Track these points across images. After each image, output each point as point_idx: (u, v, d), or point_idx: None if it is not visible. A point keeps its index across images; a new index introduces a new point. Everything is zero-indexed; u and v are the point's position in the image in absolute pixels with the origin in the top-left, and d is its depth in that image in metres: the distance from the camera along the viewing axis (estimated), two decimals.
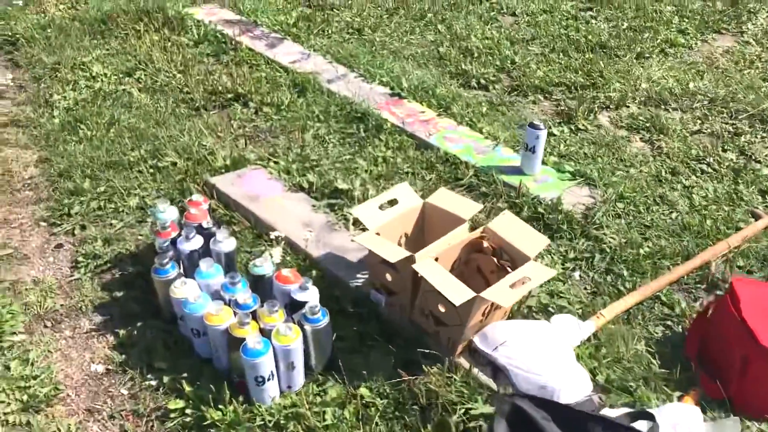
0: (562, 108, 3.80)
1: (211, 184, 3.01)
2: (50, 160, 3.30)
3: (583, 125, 3.63)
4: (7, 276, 2.63)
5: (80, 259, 2.69)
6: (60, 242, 2.82)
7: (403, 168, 3.23)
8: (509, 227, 2.30)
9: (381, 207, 2.41)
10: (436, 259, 2.19)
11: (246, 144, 3.40)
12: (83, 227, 2.87)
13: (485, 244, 2.29)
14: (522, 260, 2.21)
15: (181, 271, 2.39)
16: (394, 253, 2.16)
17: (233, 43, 4.39)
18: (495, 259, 2.27)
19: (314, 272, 2.55)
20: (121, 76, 4.04)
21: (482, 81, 4.09)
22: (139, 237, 2.81)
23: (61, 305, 2.51)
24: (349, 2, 5.19)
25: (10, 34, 4.53)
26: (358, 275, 2.52)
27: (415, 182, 3.12)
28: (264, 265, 2.31)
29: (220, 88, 3.86)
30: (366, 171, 3.19)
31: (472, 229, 2.38)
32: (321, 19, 4.84)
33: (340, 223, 2.82)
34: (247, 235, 2.78)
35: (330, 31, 4.69)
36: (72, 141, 3.41)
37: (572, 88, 4.00)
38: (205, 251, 2.45)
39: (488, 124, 3.57)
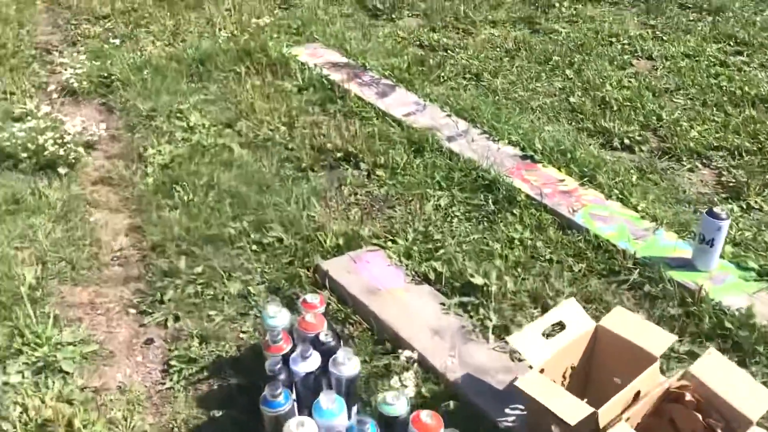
0: (727, 179, 3.22)
1: (324, 271, 2.58)
2: (142, 229, 2.95)
3: (757, 203, 3.04)
4: (91, 380, 2.26)
5: (173, 362, 2.30)
6: (150, 336, 2.44)
7: (545, 254, 2.73)
8: (719, 373, 1.77)
9: (544, 333, 1.91)
10: (627, 419, 1.67)
11: (359, 218, 2.97)
12: (177, 318, 2.49)
13: (687, 396, 1.76)
14: (740, 423, 1.67)
15: (294, 396, 1.96)
16: (572, 411, 1.65)
17: (341, 90, 3.98)
18: (700, 417, 1.74)
19: (452, 403, 2.07)
20: (220, 127, 3.69)
21: (626, 141, 3.54)
22: (242, 335, 2.40)
23: (150, 424, 2.11)
24: (465, 42, 4.73)
25: (105, 75, 4.26)
26: (507, 410, 2.03)
27: (562, 274, 2.60)
28: (396, 404, 1.84)
29: (328, 145, 3.45)
30: (500, 256, 2.70)
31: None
32: (434, 62, 4.39)
33: (477, 330, 2.34)
34: (366, 340, 2.33)
35: (445, 77, 4.23)
36: (167, 206, 3.06)
37: (735, 153, 3.40)
38: (323, 369, 2.01)
39: (642, 198, 3.02)
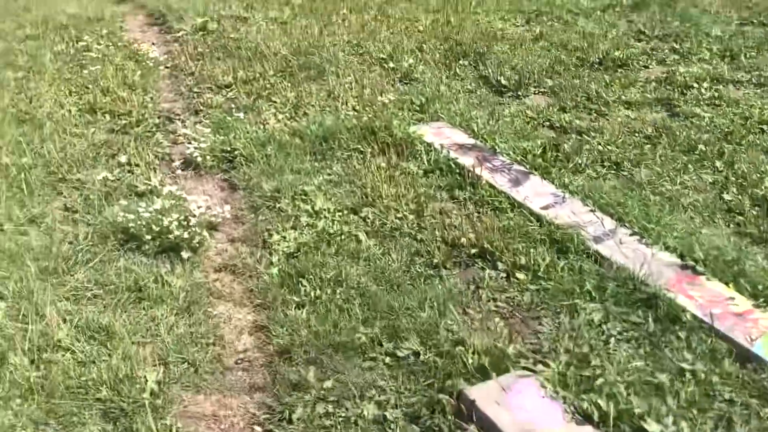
0: None
1: (469, 400, 2.29)
2: (268, 328, 2.76)
3: None
4: None
5: None
6: None
7: (723, 392, 2.35)
8: None
9: None
10: None
11: (502, 330, 2.67)
12: None
13: None
14: None
15: None
16: None
17: (470, 176, 3.74)
18: None
19: None
20: (346, 212, 3.50)
21: None
22: None
23: None
24: (599, 125, 4.43)
25: (228, 149, 4.18)
26: None
27: (748, 420, 2.23)
28: None
29: (462, 239, 3.20)
30: (671, 392, 2.34)
31: None
32: (569, 146, 4.10)
33: None
34: None
35: (582, 164, 3.93)
36: (293, 303, 2.86)
37: None
38: None
39: None
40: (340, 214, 3.50)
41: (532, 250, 3.14)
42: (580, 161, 3.94)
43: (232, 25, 6.46)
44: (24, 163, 4.00)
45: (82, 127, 4.50)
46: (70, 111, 4.73)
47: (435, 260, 3.13)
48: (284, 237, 3.31)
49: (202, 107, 4.89)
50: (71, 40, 6.16)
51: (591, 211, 3.43)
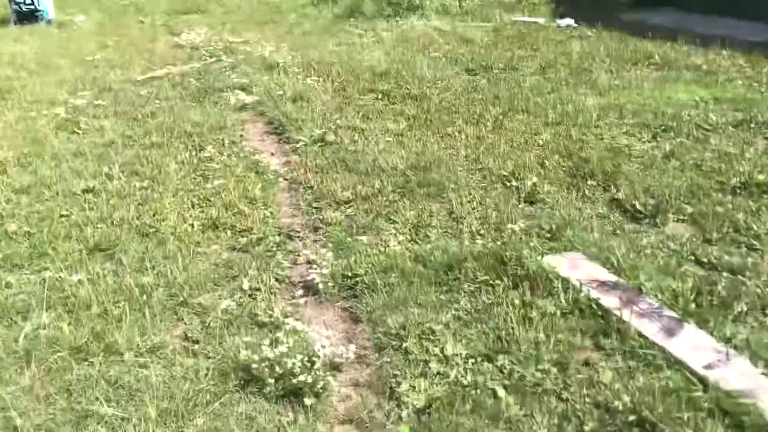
0: None
1: None
2: None
3: None
4: None
5: None
6: None
7: None
8: None
9: None
10: None
11: None
12: None
13: None
14: None
15: None
16: None
17: (615, 321, 3.39)
18: None
19: None
20: (479, 359, 3.21)
21: None
22: None
23: None
24: (752, 262, 3.99)
25: (349, 275, 4.01)
26: None
27: None
28: None
29: (616, 404, 2.84)
30: None
31: None
32: (723, 289, 3.69)
33: None
34: None
35: (741, 311, 3.51)
36: None
37: None
38: None
39: None
40: (473, 361, 3.21)
41: (699, 421, 2.74)
42: (739, 308, 3.52)
43: (350, 136, 6.43)
44: (146, 282, 3.95)
45: (204, 244, 4.46)
46: (192, 225, 4.72)
47: (586, 428, 2.77)
48: (413, 387, 3.04)
49: (321, 224, 4.77)
50: (194, 149, 6.28)
51: (763, 374, 3.01)
